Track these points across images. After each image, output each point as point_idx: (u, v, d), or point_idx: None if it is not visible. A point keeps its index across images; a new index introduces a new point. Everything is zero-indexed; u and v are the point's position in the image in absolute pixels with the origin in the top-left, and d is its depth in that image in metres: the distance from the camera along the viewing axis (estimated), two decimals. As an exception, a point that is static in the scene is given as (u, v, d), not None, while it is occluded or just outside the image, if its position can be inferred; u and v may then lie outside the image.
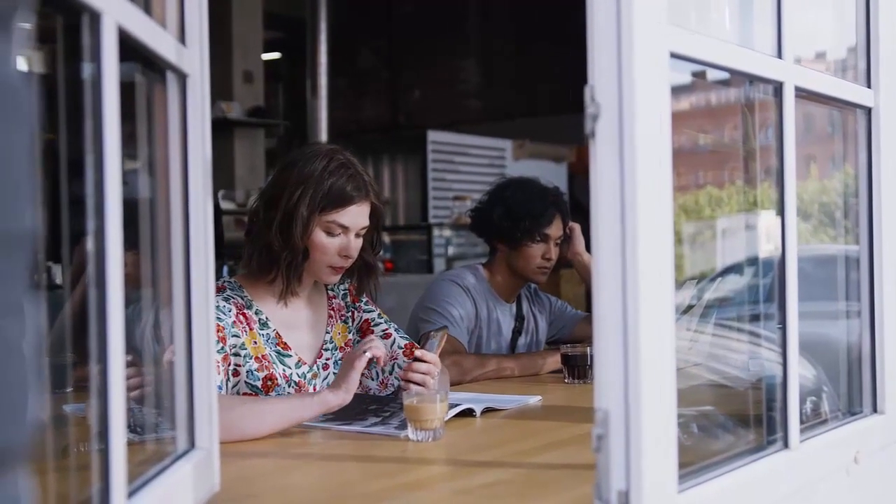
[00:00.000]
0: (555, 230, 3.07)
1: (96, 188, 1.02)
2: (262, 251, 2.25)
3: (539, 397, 2.43)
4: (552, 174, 7.44)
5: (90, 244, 1.02)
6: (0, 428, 0.60)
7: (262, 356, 2.24)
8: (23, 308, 0.62)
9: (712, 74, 1.59)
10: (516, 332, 3.19)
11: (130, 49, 1.13)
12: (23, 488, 0.62)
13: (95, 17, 1.01)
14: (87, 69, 1.03)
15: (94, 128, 1.02)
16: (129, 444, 1.09)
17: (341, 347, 2.41)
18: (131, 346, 1.11)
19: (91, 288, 1.03)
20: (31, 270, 0.63)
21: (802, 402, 1.66)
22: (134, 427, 1.36)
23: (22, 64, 0.64)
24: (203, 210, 1.41)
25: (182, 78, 1.38)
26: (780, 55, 1.56)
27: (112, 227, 1.03)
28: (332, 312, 2.43)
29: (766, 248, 1.89)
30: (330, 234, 2.24)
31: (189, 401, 1.40)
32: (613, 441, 1.20)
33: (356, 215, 2.26)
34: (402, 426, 1.97)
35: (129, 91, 1.16)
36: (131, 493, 1.11)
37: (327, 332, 2.40)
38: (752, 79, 1.60)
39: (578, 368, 2.70)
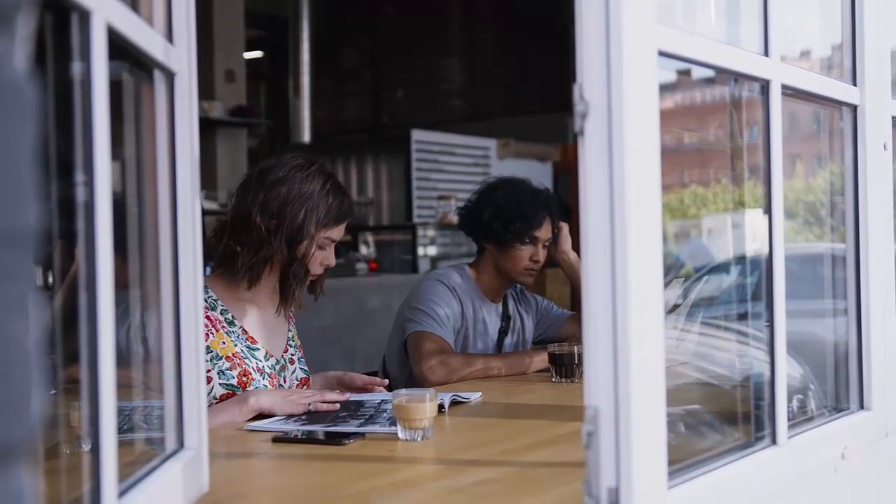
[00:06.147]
0: (544, 233, 3.07)
1: (86, 188, 1.01)
2: (262, 262, 2.32)
3: (479, 394, 2.45)
4: (537, 173, 7.45)
5: (81, 245, 1.01)
6: (5, 423, 0.60)
7: (233, 354, 2.31)
8: (27, 304, 0.62)
9: (697, 72, 1.59)
10: (503, 332, 3.19)
11: (118, 47, 1.13)
12: (26, 484, 0.62)
13: (85, 16, 1.00)
14: (75, 68, 1.02)
15: (84, 127, 1.01)
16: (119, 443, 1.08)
17: (299, 346, 2.55)
18: (117, 348, 1.10)
19: (80, 289, 1.03)
20: (32, 267, 0.64)
21: (789, 399, 1.67)
22: (120, 427, 1.36)
23: (25, 62, 0.64)
24: (191, 209, 1.41)
25: (170, 76, 1.37)
26: (766, 53, 1.56)
27: (102, 227, 1.02)
28: (290, 314, 2.54)
29: (752, 247, 1.90)
30: (321, 248, 2.37)
31: (178, 401, 1.40)
32: (603, 438, 1.20)
33: (343, 229, 2.43)
34: (394, 423, 1.96)
35: (115, 90, 1.16)
36: (121, 494, 1.11)
37: (290, 331, 2.52)
38: (740, 77, 1.61)
39: (566, 367, 2.70)
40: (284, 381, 2.42)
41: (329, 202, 2.35)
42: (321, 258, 2.38)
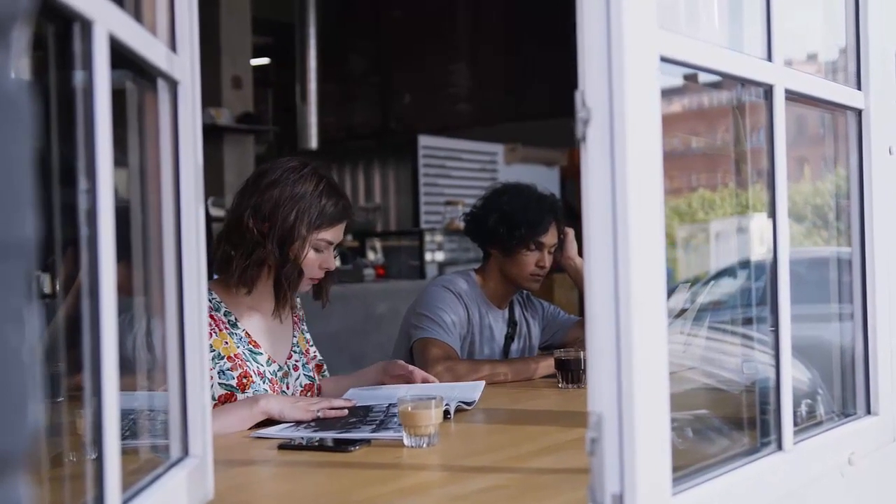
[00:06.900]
0: (550, 238, 3.06)
1: (89, 196, 1.02)
2: (255, 265, 2.32)
3: (482, 383, 2.49)
4: (544, 178, 7.45)
5: (83, 253, 1.01)
6: (2, 434, 0.60)
7: (235, 355, 2.31)
8: (23, 315, 0.63)
9: (704, 77, 1.59)
10: (509, 338, 3.18)
11: (121, 56, 1.13)
12: (23, 494, 0.62)
13: (87, 26, 1.01)
14: (78, 77, 1.03)
15: (86, 135, 1.02)
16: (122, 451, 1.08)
17: (305, 352, 2.53)
18: (123, 356, 1.10)
19: (83, 297, 1.03)
20: (29, 278, 0.64)
21: (797, 404, 1.67)
22: (125, 434, 1.36)
23: (21, 73, 0.64)
24: (195, 217, 1.41)
25: (173, 85, 1.38)
26: (769, 58, 1.56)
27: (105, 235, 1.02)
28: (295, 320, 2.55)
29: (759, 251, 1.90)
30: (317, 250, 2.37)
31: (182, 409, 1.40)
32: (607, 444, 1.20)
33: (341, 232, 2.42)
34: (401, 429, 1.96)
35: (119, 98, 1.16)
36: (125, 501, 1.11)
37: (294, 336, 2.52)
38: (743, 82, 1.60)
39: (572, 373, 2.70)
40: (287, 388, 2.42)
41: (322, 203, 2.34)
42: (320, 261, 2.37)
